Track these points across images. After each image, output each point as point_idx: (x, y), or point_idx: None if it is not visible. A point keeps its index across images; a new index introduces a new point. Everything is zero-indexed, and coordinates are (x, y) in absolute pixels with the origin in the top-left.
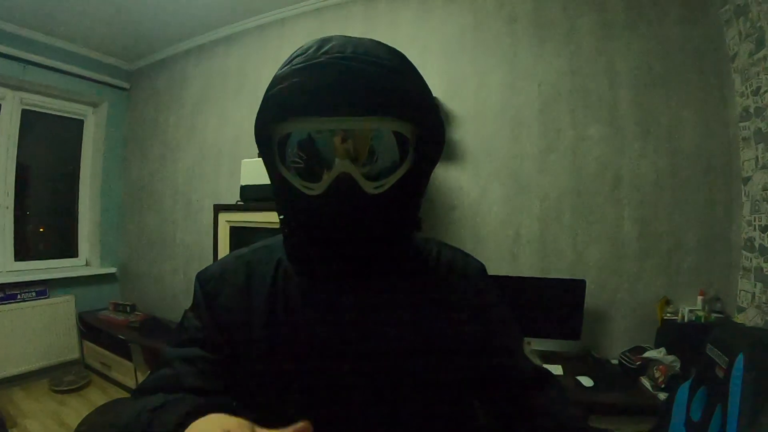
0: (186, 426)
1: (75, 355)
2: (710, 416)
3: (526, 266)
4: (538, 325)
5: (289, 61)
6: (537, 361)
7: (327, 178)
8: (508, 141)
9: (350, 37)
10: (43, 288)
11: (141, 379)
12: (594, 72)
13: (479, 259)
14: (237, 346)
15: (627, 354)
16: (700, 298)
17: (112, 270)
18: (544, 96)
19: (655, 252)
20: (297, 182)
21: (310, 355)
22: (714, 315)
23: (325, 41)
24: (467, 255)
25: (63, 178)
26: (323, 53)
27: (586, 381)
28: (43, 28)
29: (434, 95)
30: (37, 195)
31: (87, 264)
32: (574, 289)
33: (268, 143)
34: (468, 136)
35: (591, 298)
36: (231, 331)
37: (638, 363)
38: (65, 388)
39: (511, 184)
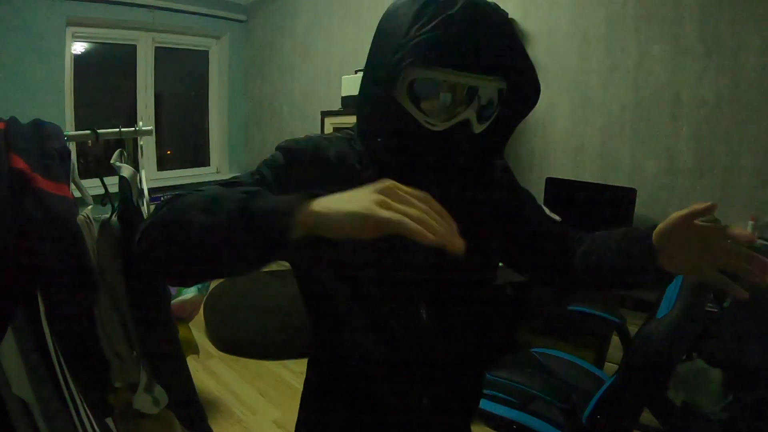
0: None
1: None
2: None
3: (588, 175)
4: (589, 225)
5: (428, 21)
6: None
7: (453, 120)
8: (576, 58)
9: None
10: (182, 191)
11: None
12: None
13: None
14: None
15: None
16: (750, 222)
17: (239, 175)
18: (611, 15)
19: (709, 172)
20: (420, 117)
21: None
22: (760, 241)
23: (469, 6)
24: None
25: (194, 101)
26: (459, 12)
27: None
28: None
29: (508, 13)
30: (169, 119)
31: (217, 171)
32: (625, 196)
33: (387, 77)
34: (540, 54)
35: (644, 209)
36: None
37: None
38: None
39: (577, 98)
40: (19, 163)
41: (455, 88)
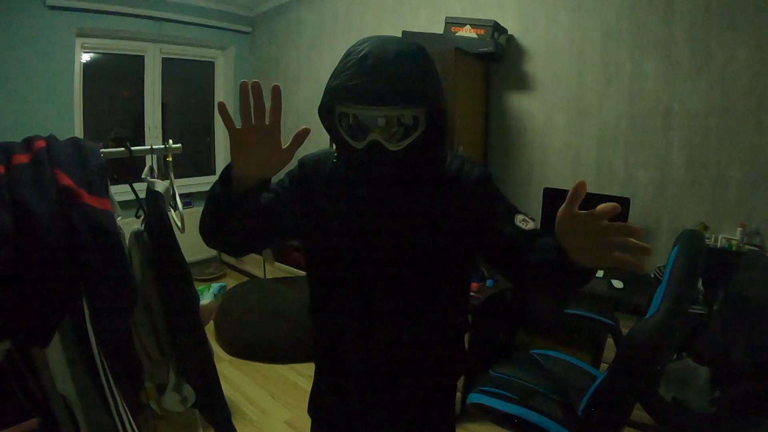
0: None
1: (214, 252)
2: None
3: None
4: None
5: (339, 75)
6: (529, 226)
7: (365, 141)
8: (573, 72)
9: (383, 46)
10: (188, 199)
11: (269, 270)
12: (652, 9)
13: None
14: (312, 207)
15: (660, 268)
16: (739, 229)
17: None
18: (607, 32)
19: (700, 181)
20: (349, 139)
21: (350, 225)
22: (748, 247)
23: (362, 59)
24: (476, 164)
25: (198, 110)
26: (362, 71)
27: (617, 283)
28: None
29: (508, 30)
30: (175, 127)
31: None
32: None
33: (328, 116)
34: (538, 69)
35: (638, 217)
36: (312, 194)
37: None
38: (206, 278)
39: (573, 111)
40: (66, 180)
41: (359, 118)
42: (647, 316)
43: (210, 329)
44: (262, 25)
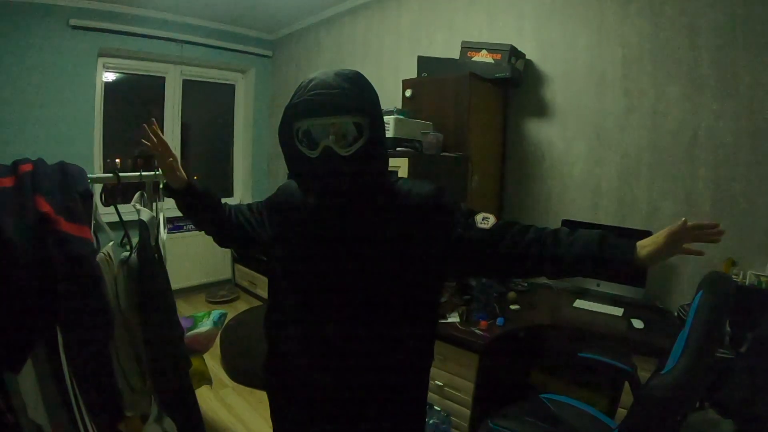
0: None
1: (228, 275)
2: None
3: (605, 215)
4: None
5: (294, 95)
6: (491, 222)
7: (319, 147)
8: (593, 99)
9: (325, 73)
10: None
11: None
12: (676, 33)
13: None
14: (278, 234)
15: (685, 307)
16: None
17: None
18: (628, 57)
19: (728, 213)
20: (305, 150)
21: (306, 252)
22: None
23: (309, 82)
24: (425, 183)
25: (218, 132)
26: (310, 89)
27: (637, 323)
28: (197, 13)
29: (525, 54)
30: (195, 148)
31: (240, 202)
32: (642, 239)
33: (286, 131)
34: (557, 96)
35: None
36: (278, 223)
37: None
38: (218, 300)
39: (594, 139)
40: (44, 206)
41: (319, 129)
42: (665, 371)
43: (215, 355)
44: (283, 48)
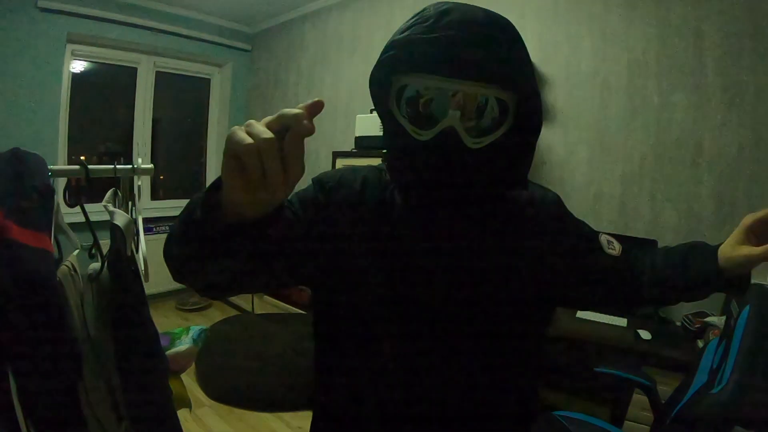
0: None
1: None
2: (723, 361)
3: (606, 223)
4: None
5: (408, 28)
6: (617, 248)
7: (436, 128)
8: (597, 104)
9: (466, 6)
10: (172, 223)
11: (257, 303)
12: (682, 39)
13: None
14: (336, 242)
15: (689, 317)
16: None
17: None
18: (633, 62)
19: (732, 222)
20: (408, 127)
21: (402, 270)
22: None
23: (443, 14)
24: (545, 189)
25: (191, 128)
26: (442, 26)
27: (645, 334)
28: (172, 1)
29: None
30: (166, 144)
31: None
32: (645, 248)
33: (382, 92)
34: (559, 100)
35: None
36: (337, 226)
37: (697, 326)
38: (190, 308)
39: (596, 145)
40: None
41: (437, 94)
42: (716, 390)
43: (189, 371)
44: (262, 42)
